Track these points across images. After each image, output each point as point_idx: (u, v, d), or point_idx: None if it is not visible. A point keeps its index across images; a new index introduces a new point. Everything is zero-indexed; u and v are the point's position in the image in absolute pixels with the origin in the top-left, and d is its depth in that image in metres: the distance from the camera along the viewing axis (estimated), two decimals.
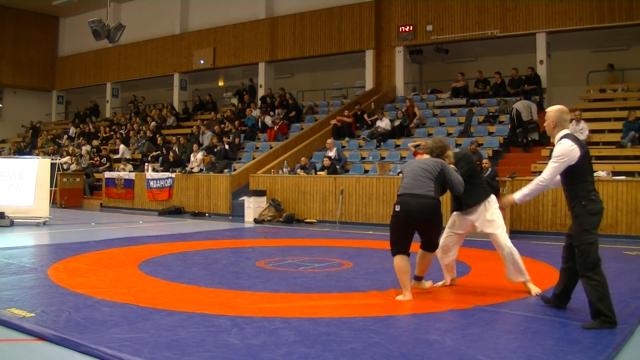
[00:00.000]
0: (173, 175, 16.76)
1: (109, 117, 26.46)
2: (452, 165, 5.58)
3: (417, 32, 18.59)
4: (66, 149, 22.24)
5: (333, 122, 17.42)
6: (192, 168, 17.02)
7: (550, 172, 4.68)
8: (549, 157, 5.20)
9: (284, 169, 15.12)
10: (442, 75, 20.27)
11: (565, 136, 4.69)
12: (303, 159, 15.16)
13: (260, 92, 21.62)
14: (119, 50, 25.88)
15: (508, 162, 13.71)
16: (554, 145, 4.85)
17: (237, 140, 18.20)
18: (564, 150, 4.59)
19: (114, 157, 20.83)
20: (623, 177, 11.06)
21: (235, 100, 22.51)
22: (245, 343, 3.87)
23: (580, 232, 4.54)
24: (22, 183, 12.70)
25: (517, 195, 5.00)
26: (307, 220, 13.79)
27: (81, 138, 23.18)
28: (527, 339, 4.01)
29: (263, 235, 11.19)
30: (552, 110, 4.87)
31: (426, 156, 5.62)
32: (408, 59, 19.42)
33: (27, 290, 5.50)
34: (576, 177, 4.62)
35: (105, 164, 20.42)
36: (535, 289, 5.60)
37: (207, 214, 15.60)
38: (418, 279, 5.62)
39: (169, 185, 16.72)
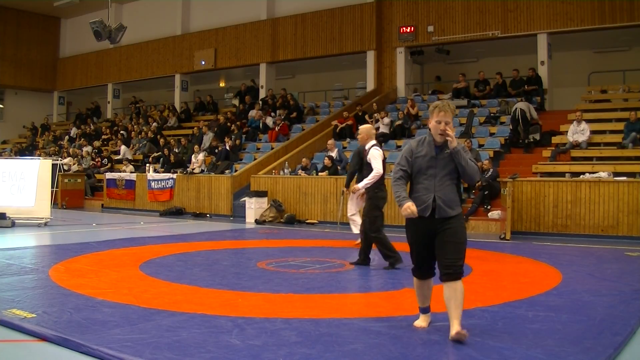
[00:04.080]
0: (174, 176, 16.77)
1: (110, 118, 26.48)
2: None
3: (418, 33, 18.60)
4: (67, 150, 22.27)
5: (334, 123, 17.43)
6: (193, 169, 17.03)
7: (381, 165, 7.01)
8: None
9: (285, 170, 15.12)
10: (443, 76, 20.28)
11: (375, 144, 7.21)
12: (304, 159, 15.16)
13: (262, 93, 21.64)
14: (120, 51, 25.91)
15: (509, 163, 13.71)
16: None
17: (237, 141, 18.21)
18: (381, 153, 7.13)
19: (115, 157, 20.85)
20: (624, 178, 11.04)
21: (236, 102, 22.53)
22: (246, 344, 3.87)
23: (371, 208, 7.05)
24: (23, 184, 12.71)
25: (362, 184, 7.09)
26: (308, 221, 13.79)
27: (82, 139, 23.21)
28: (527, 340, 4.01)
29: (264, 236, 11.20)
30: (366, 127, 7.54)
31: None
32: (409, 60, 19.42)
33: (28, 291, 5.50)
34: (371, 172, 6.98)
35: (107, 164, 20.44)
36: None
37: (208, 215, 15.61)
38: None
39: (170, 186, 16.74)
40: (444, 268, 4.05)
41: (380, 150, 7.20)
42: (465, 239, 4.12)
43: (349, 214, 9.63)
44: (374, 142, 7.26)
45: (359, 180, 7.28)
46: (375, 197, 7.10)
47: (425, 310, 4.42)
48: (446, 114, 4.02)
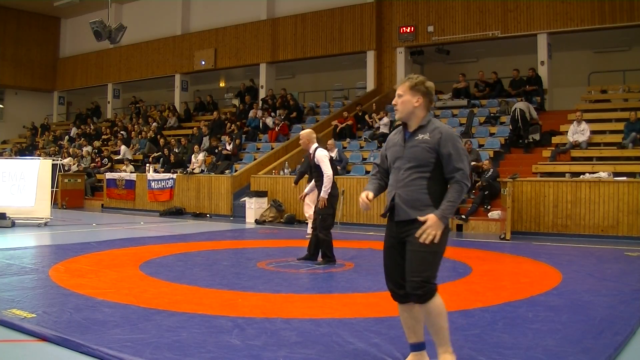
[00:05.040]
0: (174, 176, 16.77)
1: (110, 118, 26.48)
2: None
3: (418, 33, 18.59)
4: (67, 150, 22.26)
5: (334, 123, 17.43)
6: (193, 169, 17.03)
7: (329, 167, 7.32)
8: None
9: (285, 170, 15.11)
10: (443, 76, 20.26)
11: (319, 147, 7.46)
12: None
13: (262, 93, 21.64)
14: (120, 51, 25.91)
15: (509, 163, 13.70)
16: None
17: (238, 141, 18.21)
18: (326, 154, 7.43)
19: (115, 157, 20.85)
20: (624, 178, 11.04)
21: (236, 102, 22.53)
22: (246, 344, 3.87)
23: (324, 207, 7.29)
24: (23, 184, 12.71)
25: (323, 194, 7.31)
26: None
27: (82, 139, 23.20)
28: (528, 340, 4.01)
29: (264, 236, 11.20)
30: (306, 132, 7.68)
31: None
32: (409, 60, 19.41)
33: (28, 291, 5.50)
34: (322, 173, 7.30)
35: (107, 164, 20.43)
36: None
37: (208, 215, 15.60)
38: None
39: (170, 186, 16.73)
40: (410, 286, 3.18)
41: (325, 151, 7.50)
42: (440, 247, 3.18)
43: (307, 214, 10.72)
44: (316, 144, 7.51)
45: (310, 180, 7.87)
46: (328, 195, 7.36)
47: (414, 347, 3.42)
48: (400, 86, 3.43)
